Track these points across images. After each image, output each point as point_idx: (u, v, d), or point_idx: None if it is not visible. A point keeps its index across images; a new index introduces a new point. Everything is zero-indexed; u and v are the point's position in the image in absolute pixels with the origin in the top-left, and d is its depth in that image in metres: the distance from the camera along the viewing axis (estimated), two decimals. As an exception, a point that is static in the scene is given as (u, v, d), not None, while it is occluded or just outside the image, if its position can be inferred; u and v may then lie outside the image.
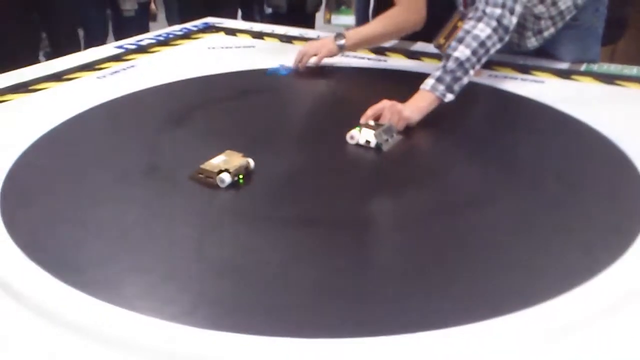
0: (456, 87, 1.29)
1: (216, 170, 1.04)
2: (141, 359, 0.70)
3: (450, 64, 1.29)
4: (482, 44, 1.31)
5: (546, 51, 1.68)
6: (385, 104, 1.26)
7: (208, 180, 1.04)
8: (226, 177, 1.03)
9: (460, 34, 1.33)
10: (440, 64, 1.31)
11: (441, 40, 1.61)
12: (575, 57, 1.66)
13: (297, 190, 1.08)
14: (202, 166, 1.05)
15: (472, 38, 1.30)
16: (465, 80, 1.30)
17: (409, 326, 0.73)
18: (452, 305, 0.78)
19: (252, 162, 1.08)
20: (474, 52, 1.30)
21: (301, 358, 0.70)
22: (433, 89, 1.28)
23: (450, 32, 1.59)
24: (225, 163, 1.06)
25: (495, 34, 1.32)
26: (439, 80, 1.28)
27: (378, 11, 2.43)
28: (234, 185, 1.05)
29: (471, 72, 1.31)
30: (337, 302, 0.79)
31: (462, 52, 1.29)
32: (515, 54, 1.71)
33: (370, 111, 1.26)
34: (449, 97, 1.28)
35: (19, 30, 2.64)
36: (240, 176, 1.06)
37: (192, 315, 0.76)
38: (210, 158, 1.07)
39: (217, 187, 1.03)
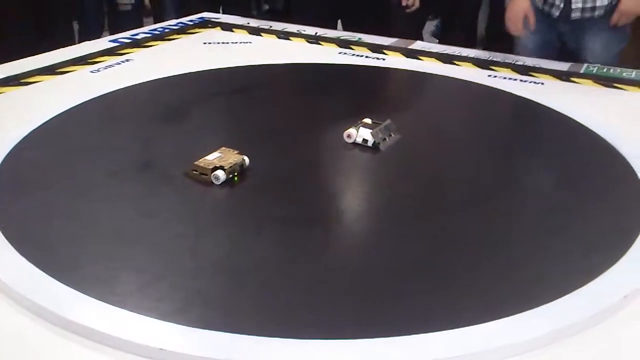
0: None
1: (211, 167, 1.02)
2: (132, 358, 0.69)
3: None
4: None
5: (573, 46, 1.68)
6: None
7: (202, 177, 1.03)
8: (221, 174, 1.02)
9: None
10: None
11: None
12: (600, 56, 1.67)
13: (293, 188, 1.06)
14: (197, 163, 1.04)
15: None
16: None
17: (407, 328, 0.72)
18: (452, 307, 0.77)
19: (247, 160, 1.07)
20: None
21: (295, 359, 0.69)
22: None
23: None
24: (220, 160, 1.04)
25: None
26: None
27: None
28: (228, 182, 1.03)
29: None
30: (332, 302, 0.78)
31: None
32: (516, 54, 1.70)
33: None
34: None
35: (18, 24, 2.62)
36: (235, 174, 1.04)
37: (185, 314, 0.74)
38: (205, 154, 1.06)
39: (211, 184, 1.02)
